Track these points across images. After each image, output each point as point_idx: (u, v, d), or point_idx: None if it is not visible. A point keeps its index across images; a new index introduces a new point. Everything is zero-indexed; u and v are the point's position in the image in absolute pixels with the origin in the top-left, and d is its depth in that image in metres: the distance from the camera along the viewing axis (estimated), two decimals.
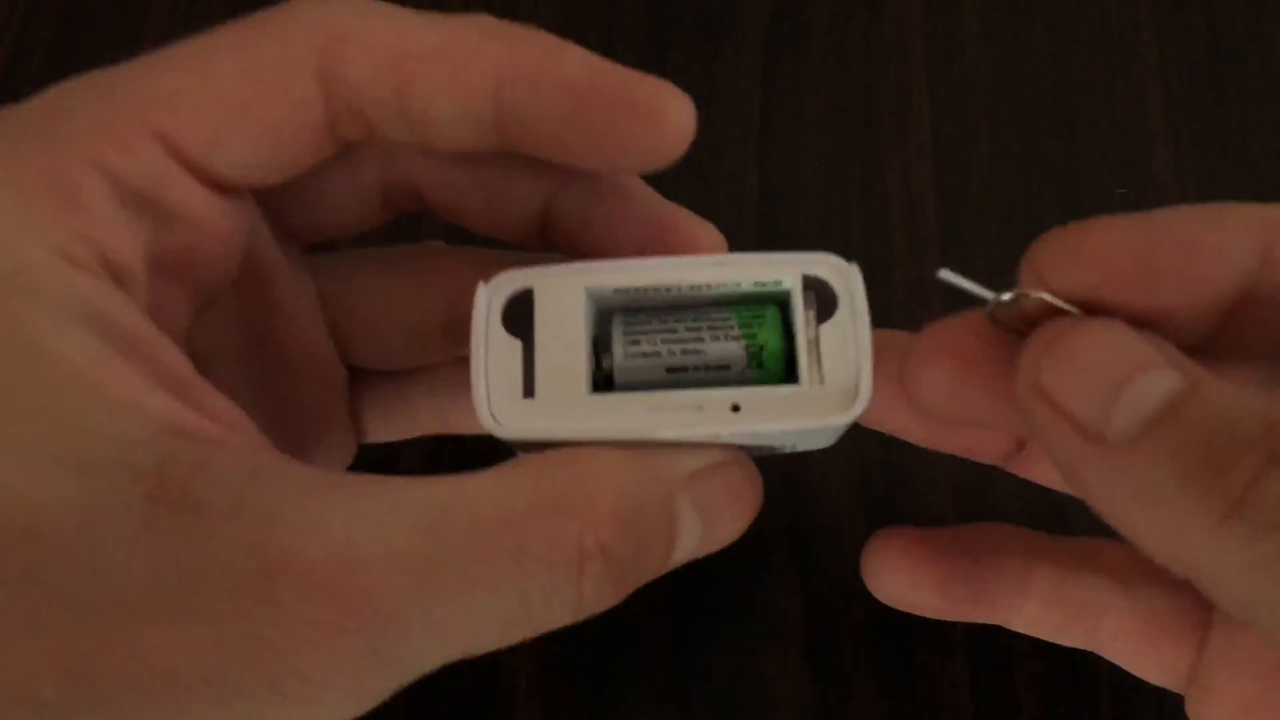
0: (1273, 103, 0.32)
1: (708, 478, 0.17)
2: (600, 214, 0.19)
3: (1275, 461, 0.13)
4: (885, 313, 0.20)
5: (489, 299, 0.17)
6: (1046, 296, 0.16)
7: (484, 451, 0.26)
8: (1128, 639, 0.20)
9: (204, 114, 0.16)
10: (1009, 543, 0.22)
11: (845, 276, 0.17)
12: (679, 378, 0.17)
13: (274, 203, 0.20)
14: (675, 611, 0.27)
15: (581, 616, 0.16)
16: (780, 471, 0.28)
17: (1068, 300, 0.16)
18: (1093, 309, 0.16)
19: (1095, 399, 0.15)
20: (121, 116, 0.16)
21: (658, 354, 0.17)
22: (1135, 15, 0.33)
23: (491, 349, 0.17)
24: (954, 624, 0.25)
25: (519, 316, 0.17)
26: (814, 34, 0.33)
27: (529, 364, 0.17)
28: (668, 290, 0.17)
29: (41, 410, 0.15)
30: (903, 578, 0.21)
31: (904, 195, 0.31)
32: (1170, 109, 0.32)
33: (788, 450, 0.20)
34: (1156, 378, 0.14)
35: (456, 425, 0.24)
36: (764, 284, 0.17)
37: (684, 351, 0.17)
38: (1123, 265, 0.15)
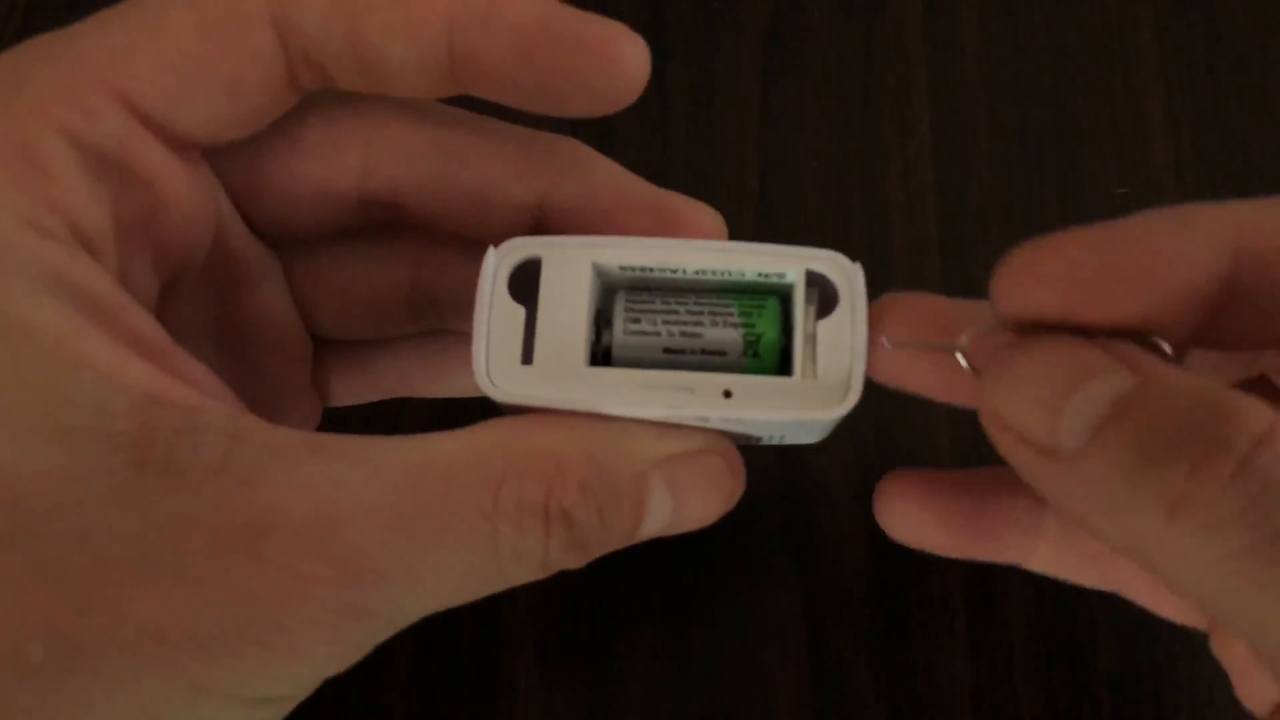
0: (1273, 103, 0.32)
1: (684, 461, 0.17)
2: (596, 208, 0.19)
3: (1216, 451, 0.13)
4: None
5: (496, 264, 0.17)
6: (997, 329, 0.16)
7: (452, 416, 0.25)
8: (1146, 580, 0.20)
9: (163, 70, 0.16)
10: (1019, 484, 0.21)
11: (848, 275, 0.17)
12: (675, 359, 0.17)
13: (243, 196, 0.20)
14: (675, 611, 0.27)
15: (547, 574, 0.17)
16: (780, 471, 0.28)
17: (1035, 322, 0.15)
18: (1065, 327, 0.15)
19: (1043, 415, 0.14)
20: (81, 79, 0.16)
21: (657, 334, 0.17)
22: (1135, 15, 0.33)
23: (495, 313, 0.17)
24: (954, 624, 0.25)
25: (524, 285, 0.17)
26: (814, 34, 0.33)
27: (530, 331, 0.17)
28: (673, 272, 0.18)
29: (21, 381, 0.15)
30: (909, 516, 0.21)
31: (904, 195, 0.31)
32: (1170, 109, 0.32)
33: (775, 442, 0.20)
34: (1102, 383, 0.14)
35: (420, 390, 0.24)
36: (768, 275, 0.18)
37: (683, 334, 0.17)
38: (1088, 281, 0.15)
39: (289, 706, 0.17)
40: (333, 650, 0.16)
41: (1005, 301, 0.15)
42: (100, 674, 0.15)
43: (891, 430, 0.28)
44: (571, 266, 0.17)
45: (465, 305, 0.18)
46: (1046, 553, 0.21)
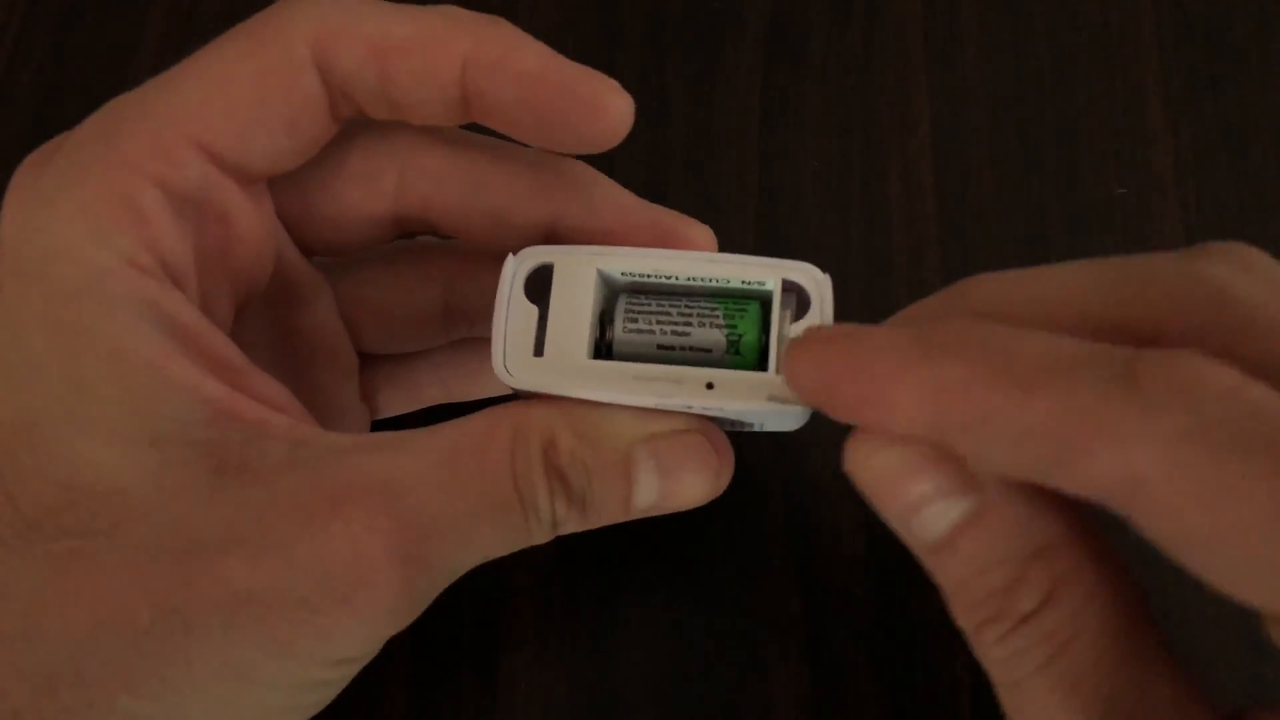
0: (1273, 103, 0.32)
1: (669, 438, 0.20)
2: (600, 224, 0.22)
3: (997, 618, 0.16)
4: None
5: (514, 269, 0.20)
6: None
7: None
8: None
9: (232, 118, 0.19)
10: None
11: (819, 285, 0.20)
12: (667, 355, 0.20)
13: (296, 223, 0.22)
14: (675, 611, 0.27)
15: (556, 533, 0.20)
16: (780, 472, 0.28)
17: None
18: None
19: (901, 513, 0.17)
20: (166, 134, 0.18)
21: (651, 332, 0.20)
22: (1135, 15, 0.33)
23: (512, 312, 0.19)
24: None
25: (538, 288, 0.20)
26: (814, 34, 0.33)
27: (542, 328, 0.19)
28: (667, 278, 0.20)
29: (120, 397, 0.18)
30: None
31: (904, 195, 0.31)
32: (1170, 109, 0.32)
33: (757, 429, 0.22)
34: (943, 508, 0.16)
35: (458, 394, 0.27)
36: (750, 283, 0.20)
37: (674, 333, 0.20)
38: (845, 390, 0.17)
39: (355, 670, 0.19)
40: (400, 604, 0.18)
41: (796, 382, 0.18)
42: (200, 636, 0.17)
43: None
44: (579, 272, 0.20)
45: (491, 313, 0.21)
46: None
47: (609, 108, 0.19)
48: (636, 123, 0.20)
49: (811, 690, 0.26)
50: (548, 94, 0.19)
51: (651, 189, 0.31)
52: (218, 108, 0.19)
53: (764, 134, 0.32)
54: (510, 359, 0.19)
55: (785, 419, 0.21)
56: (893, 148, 0.32)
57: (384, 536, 0.17)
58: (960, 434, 0.16)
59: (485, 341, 0.25)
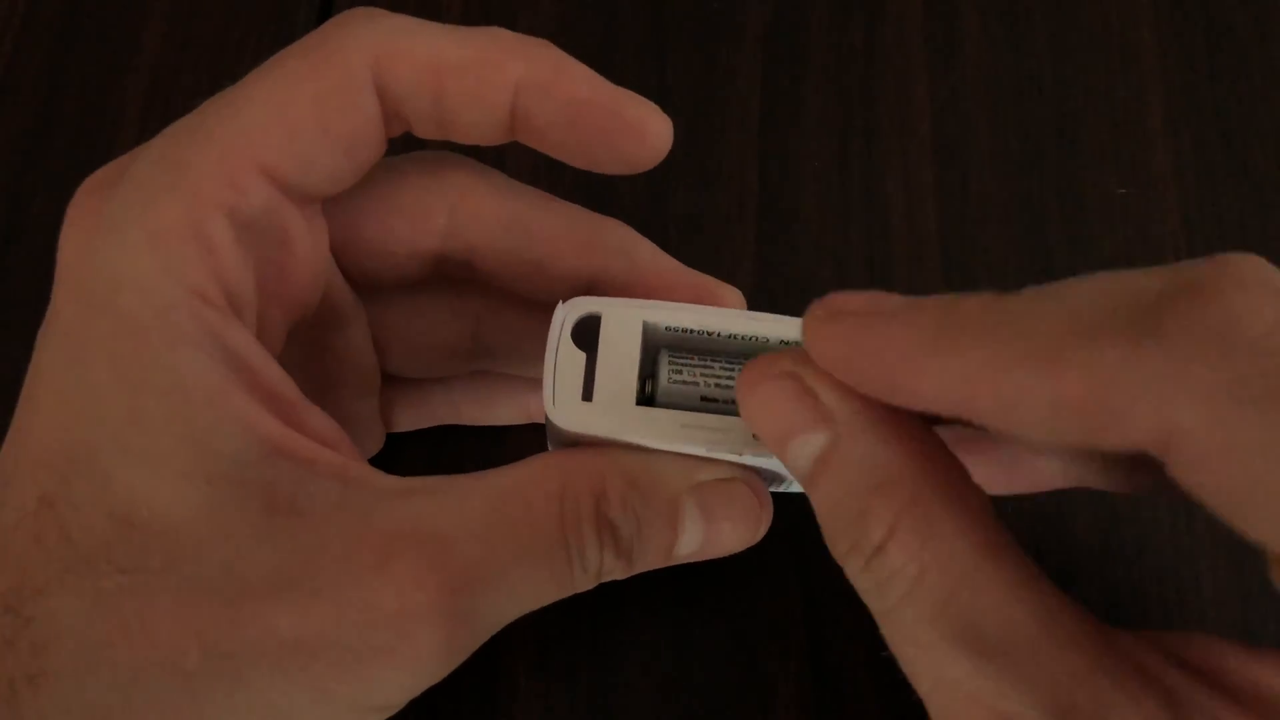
0: (1273, 102, 0.32)
1: (714, 487, 0.20)
2: (640, 283, 0.23)
3: (853, 549, 0.17)
4: None
5: (565, 316, 0.20)
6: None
7: (483, 448, 0.26)
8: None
9: (295, 141, 0.19)
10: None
11: None
12: (709, 406, 0.20)
13: (342, 249, 0.23)
14: (675, 611, 0.27)
15: (598, 582, 0.20)
16: None
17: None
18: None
19: (775, 447, 0.18)
20: (232, 161, 0.18)
21: (695, 384, 0.20)
22: (1135, 15, 0.33)
23: (561, 357, 0.20)
24: None
25: (584, 335, 0.20)
26: (814, 34, 0.33)
27: (589, 374, 0.20)
28: (708, 334, 0.21)
29: (179, 432, 0.18)
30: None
31: (904, 195, 0.31)
32: (1170, 109, 0.32)
33: (785, 488, 0.23)
34: (805, 442, 0.18)
35: (467, 418, 0.28)
36: (787, 341, 0.21)
37: (718, 385, 0.20)
38: (864, 367, 0.17)
39: (390, 714, 0.19)
40: (441, 656, 0.18)
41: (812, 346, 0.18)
42: (247, 681, 0.17)
43: None
44: (626, 323, 0.20)
45: (518, 354, 0.23)
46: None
47: (652, 131, 0.20)
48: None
49: (811, 691, 0.26)
50: (594, 117, 0.20)
51: (651, 189, 0.31)
52: (280, 131, 0.19)
53: (764, 134, 0.32)
54: (560, 402, 0.20)
55: None
56: (893, 148, 0.32)
57: (429, 591, 0.17)
58: (994, 418, 0.15)
59: (502, 376, 0.27)
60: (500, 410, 0.28)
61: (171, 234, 0.18)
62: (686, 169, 0.32)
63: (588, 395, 0.20)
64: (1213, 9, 0.33)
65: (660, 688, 0.26)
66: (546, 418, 0.20)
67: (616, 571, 0.20)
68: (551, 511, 0.19)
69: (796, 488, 0.22)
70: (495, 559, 0.18)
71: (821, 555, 0.27)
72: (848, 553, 0.17)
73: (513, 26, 0.35)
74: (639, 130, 0.20)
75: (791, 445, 0.18)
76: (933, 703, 0.16)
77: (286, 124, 0.19)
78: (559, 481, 0.19)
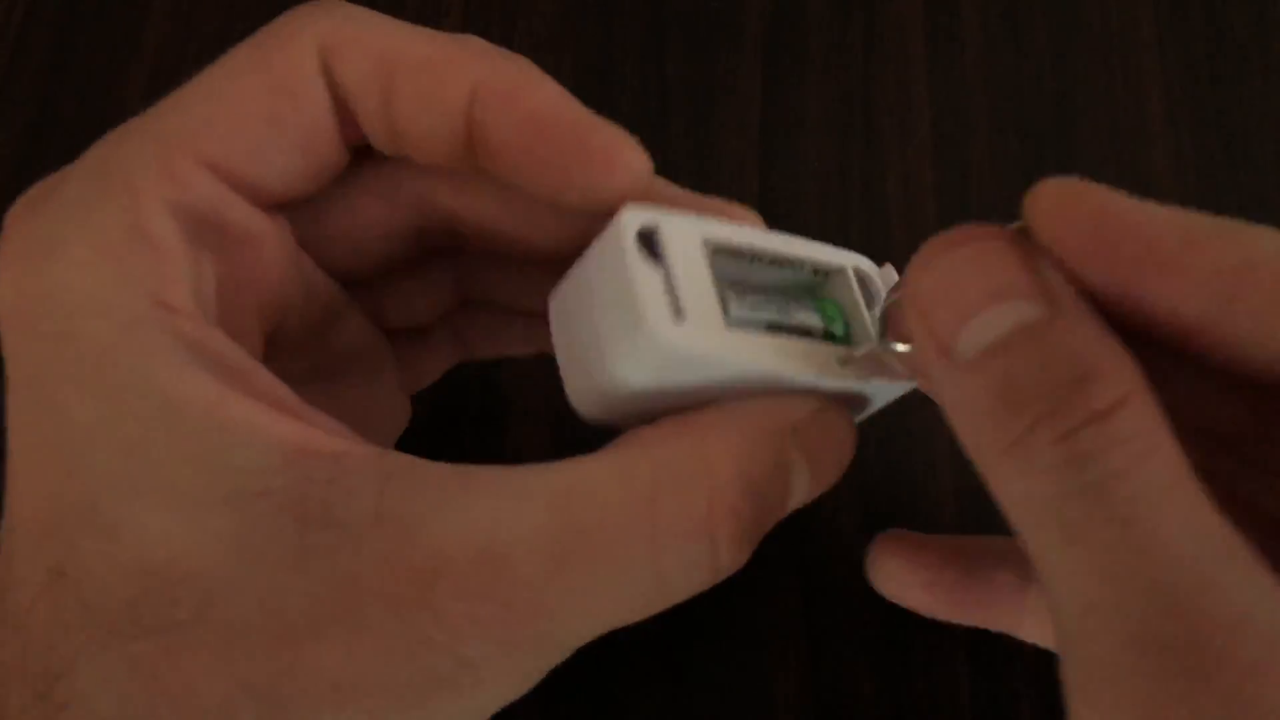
0: (1273, 103, 0.32)
1: (810, 426, 0.18)
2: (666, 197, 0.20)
3: (1055, 413, 0.14)
4: None
5: (627, 225, 0.17)
6: (900, 348, 0.17)
7: (484, 440, 0.26)
8: None
9: (242, 133, 0.17)
10: (1007, 556, 0.22)
11: (884, 275, 0.20)
12: (779, 332, 0.18)
13: (316, 251, 0.21)
14: (674, 612, 0.27)
15: (719, 579, 0.17)
16: None
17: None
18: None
19: (953, 317, 0.15)
20: (172, 154, 0.17)
21: (761, 310, 0.18)
22: (1135, 15, 0.33)
23: (637, 272, 0.17)
24: (954, 625, 0.25)
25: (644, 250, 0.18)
26: (814, 34, 0.33)
27: (671, 292, 0.17)
28: (763, 256, 0.19)
29: (180, 455, 0.15)
30: (895, 579, 0.23)
31: (904, 195, 0.31)
32: (1170, 109, 0.32)
33: (859, 413, 0.20)
34: (1007, 310, 0.14)
35: (480, 352, 0.25)
36: (834, 265, 0.19)
37: (778, 310, 0.18)
38: (1116, 250, 0.15)
39: None
40: (511, 680, 0.16)
41: (1044, 231, 0.15)
42: None
43: (892, 430, 0.28)
44: (689, 240, 0.17)
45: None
46: (1033, 627, 0.23)
47: (622, 162, 0.18)
48: (636, 123, 0.20)
49: (812, 692, 0.26)
50: (557, 137, 0.17)
51: None
52: (225, 124, 0.17)
53: (764, 134, 0.32)
54: (655, 320, 0.16)
55: (889, 390, 0.19)
56: (893, 148, 0.32)
57: (484, 622, 0.15)
58: (1244, 321, 0.14)
59: (493, 308, 0.24)
60: (504, 337, 0.25)
61: (116, 241, 0.16)
62: (686, 169, 0.31)
63: (679, 315, 0.16)
64: (1213, 9, 0.33)
65: (660, 689, 0.26)
66: (604, 357, 0.17)
67: (739, 561, 0.17)
68: (638, 516, 0.16)
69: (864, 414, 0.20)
70: (561, 577, 0.15)
71: (821, 555, 0.28)
72: (1039, 420, 0.14)
73: (513, 26, 0.35)
74: (607, 159, 0.17)
75: (991, 312, 0.14)
76: (1174, 550, 0.13)
77: (231, 116, 0.17)
78: (649, 476, 0.16)
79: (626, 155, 0.18)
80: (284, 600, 0.15)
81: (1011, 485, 0.14)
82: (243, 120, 0.17)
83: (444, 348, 0.25)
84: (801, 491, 0.18)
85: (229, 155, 0.17)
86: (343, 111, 0.18)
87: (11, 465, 0.16)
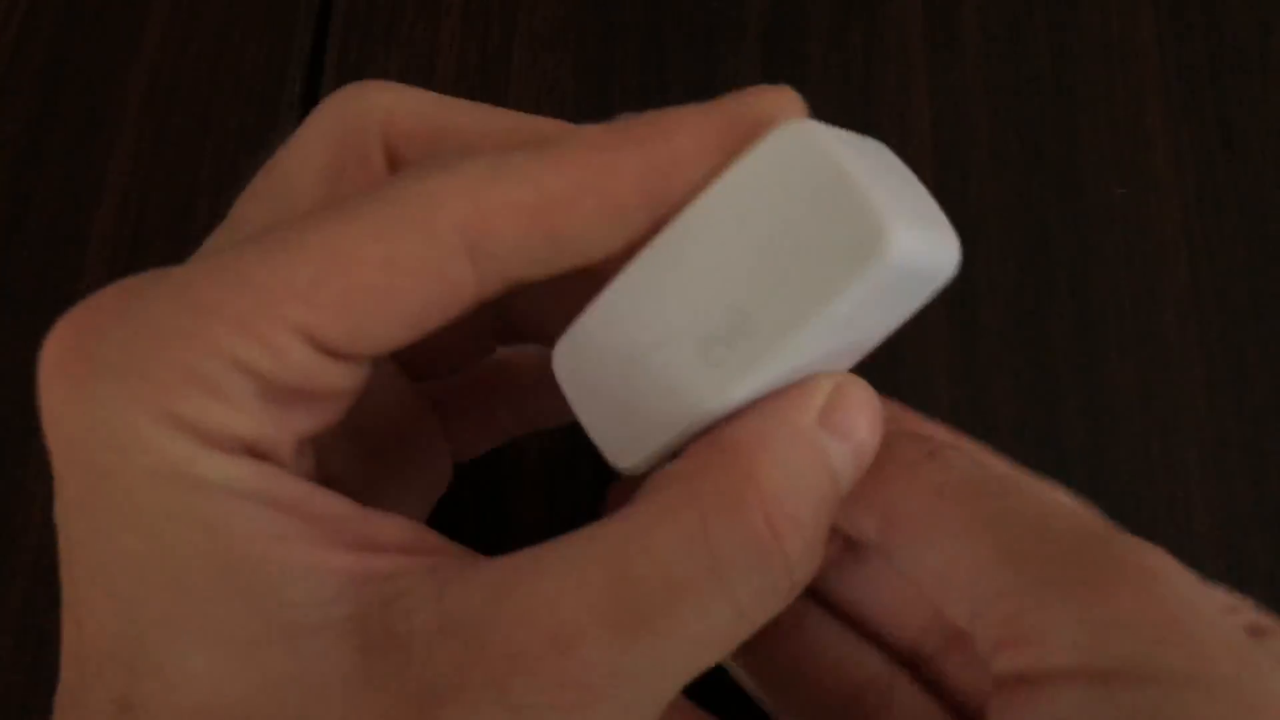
0: (1273, 103, 0.32)
1: (831, 405, 0.17)
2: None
3: None
4: None
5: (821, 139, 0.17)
6: None
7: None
8: None
9: (347, 307, 0.16)
10: None
11: None
12: None
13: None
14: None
15: (798, 591, 0.17)
16: None
17: None
18: None
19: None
20: (260, 313, 0.15)
21: None
22: (1135, 15, 0.33)
23: (865, 179, 0.16)
24: None
25: None
26: (814, 34, 0.33)
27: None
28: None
29: (229, 593, 0.15)
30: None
31: None
32: (1170, 109, 0.32)
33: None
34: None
35: (535, 422, 0.25)
36: None
37: None
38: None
39: None
40: None
41: None
42: None
43: None
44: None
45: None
46: None
47: (788, 102, 0.17)
48: None
49: None
50: (738, 138, 0.17)
51: None
52: (331, 292, 0.15)
53: None
54: (904, 226, 0.16)
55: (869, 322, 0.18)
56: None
57: (567, 712, 0.15)
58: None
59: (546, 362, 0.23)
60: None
61: (177, 385, 0.15)
62: None
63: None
64: (1213, 9, 0.33)
65: None
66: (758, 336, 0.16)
67: (812, 570, 0.17)
68: (696, 554, 0.15)
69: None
70: (637, 646, 0.15)
71: None
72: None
73: (513, 26, 0.35)
74: (773, 112, 0.17)
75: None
76: None
77: (344, 286, 0.16)
78: (698, 518, 0.16)
79: (788, 100, 0.17)
80: None
81: None
82: (352, 292, 0.16)
83: (495, 419, 0.25)
84: (849, 470, 0.18)
85: (326, 327, 0.16)
86: (493, 275, 0.17)
87: (68, 589, 0.16)
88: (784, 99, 0.17)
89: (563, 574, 0.15)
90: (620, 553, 0.16)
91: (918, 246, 0.16)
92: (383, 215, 0.16)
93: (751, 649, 0.21)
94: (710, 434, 0.17)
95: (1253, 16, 0.33)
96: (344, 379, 0.17)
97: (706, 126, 0.17)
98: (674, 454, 0.17)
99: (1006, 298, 0.30)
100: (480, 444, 0.25)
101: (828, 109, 0.32)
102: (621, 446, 0.17)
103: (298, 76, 0.33)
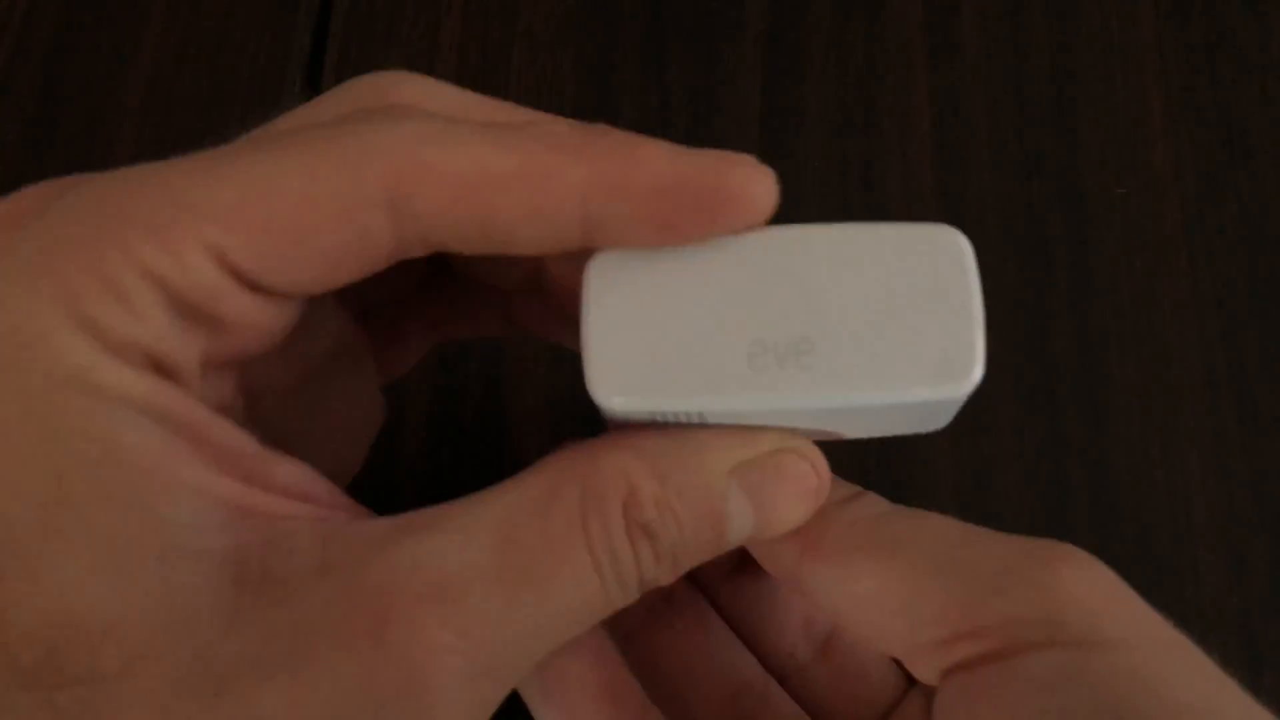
0: (1273, 103, 0.32)
1: (760, 463, 0.18)
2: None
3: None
4: None
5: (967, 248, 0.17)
6: None
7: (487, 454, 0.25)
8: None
9: (261, 235, 0.16)
10: None
11: None
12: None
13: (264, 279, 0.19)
14: None
15: (644, 591, 0.18)
16: None
17: None
18: None
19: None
20: (176, 226, 0.15)
21: None
22: (1135, 15, 0.33)
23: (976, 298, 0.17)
24: None
25: None
26: (814, 34, 0.33)
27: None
28: None
29: (115, 508, 0.15)
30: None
31: (904, 195, 0.31)
32: (1170, 109, 0.32)
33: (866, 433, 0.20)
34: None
35: (452, 333, 0.25)
36: None
37: None
38: None
39: None
40: (471, 715, 0.16)
41: None
42: None
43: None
44: None
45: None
46: None
47: (755, 193, 0.17)
48: (637, 123, 0.20)
49: None
50: (685, 199, 0.16)
51: None
52: (248, 218, 0.16)
53: (764, 134, 0.32)
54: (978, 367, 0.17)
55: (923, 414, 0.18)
56: (893, 147, 0.32)
57: (443, 652, 0.15)
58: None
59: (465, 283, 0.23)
60: (488, 319, 0.24)
61: (87, 286, 0.15)
62: None
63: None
64: (1213, 9, 0.33)
65: None
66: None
67: (662, 578, 0.18)
68: (574, 531, 0.16)
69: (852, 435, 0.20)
70: (515, 599, 0.16)
71: None
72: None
73: (513, 26, 0.35)
74: (740, 197, 0.17)
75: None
76: None
77: (261, 214, 0.16)
78: (577, 492, 0.16)
79: (755, 184, 0.17)
80: (220, 654, 0.15)
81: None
82: (269, 221, 0.16)
83: (415, 335, 0.24)
84: (744, 527, 0.18)
85: (238, 250, 0.16)
86: (409, 233, 0.17)
87: None
88: (760, 177, 0.17)
89: (451, 531, 0.16)
90: (509, 520, 0.16)
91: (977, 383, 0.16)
92: (315, 153, 0.16)
93: (642, 641, 0.22)
94: (639, 430, 0.18)
95: (1253, 16, 0.33)
96: (258, 313, 0.17)
97: (667, 171, 0.16)
98: (648, 422, 0.17)
99: (1006, 298, 0.30)
100: (406, 363, 0.25)
101: (828, 109, 0.32)
102: (615, 381, 0.17)
103: (298, 76, 0.33)
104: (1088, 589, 0.18)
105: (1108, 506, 0.28)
